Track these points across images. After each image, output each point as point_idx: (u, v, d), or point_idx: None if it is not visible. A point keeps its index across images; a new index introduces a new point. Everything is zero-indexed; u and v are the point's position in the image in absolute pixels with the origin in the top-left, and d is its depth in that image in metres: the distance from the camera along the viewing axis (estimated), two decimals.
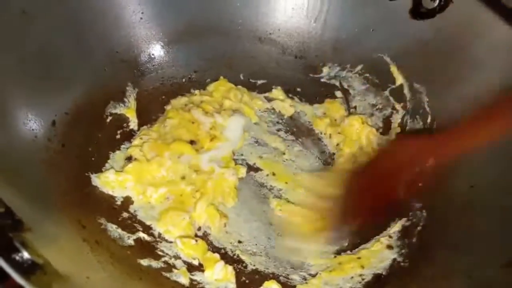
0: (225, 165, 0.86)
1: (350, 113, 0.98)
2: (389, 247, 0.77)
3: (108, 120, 0.89)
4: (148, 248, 0.75)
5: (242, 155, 0.91)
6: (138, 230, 0.76)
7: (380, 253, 0.77)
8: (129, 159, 0.84)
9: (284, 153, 0.93)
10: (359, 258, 0.77)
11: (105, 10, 0.91)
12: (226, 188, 0.84)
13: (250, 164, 0.90)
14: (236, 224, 0.82)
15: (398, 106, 0.94)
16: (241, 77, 1.02)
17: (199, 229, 0.80)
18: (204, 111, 0.92)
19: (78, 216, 0.72)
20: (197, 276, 0.73)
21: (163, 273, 0.72)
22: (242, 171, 0.87)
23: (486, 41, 0.79)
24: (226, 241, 0.79)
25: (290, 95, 1.01)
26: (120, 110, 0.91)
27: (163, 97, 0.96)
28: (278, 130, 0.96)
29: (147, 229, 0.77)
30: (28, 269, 0.50)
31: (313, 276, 0.76)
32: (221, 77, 1.00)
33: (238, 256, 0.77)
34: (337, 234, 0.79)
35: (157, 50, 0.99)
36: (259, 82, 1.02)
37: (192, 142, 0.87)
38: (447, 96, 0.85)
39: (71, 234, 0.69)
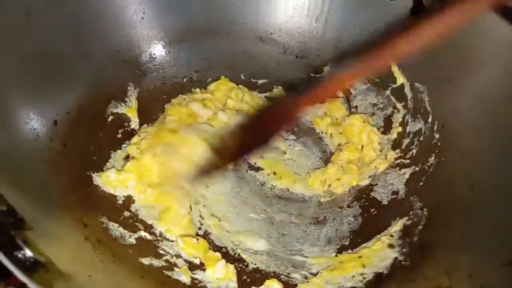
0: None
1: (351, 113, 0.98)
2: (390, 246, 0.77)
3: (109, 119, 0.89)
4: (150, 247, 0.75)
5: None
6: (140, 229, 0.76)
7: (381, 252, 0.77)
8: (127, 158, 0.84)
9: (285, 153, 0.94)
10: (360, 257, 0.77)
11: (107, 10, 0.92)
12: None
13: (251, 163, 0.91)
14: (237, 223, 0.82)
15: (399, 106, 0.94)
16: (242, 77, 1.03)
17: (200, 228, 0.80)
18: (203, 105, 0.92)
19: (79, 215, 0.72)
20: (199, 275, 0.73)
21: (165, 271, 0.72)
22: None
23: (487, 40, 0.79)
24: (227, 240, 0.80)
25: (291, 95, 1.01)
26: (121, 109, 0.91)
27: (164, 96, 0.97)
28: None
29: (149, 228, 0.77)
30: (30, 267, 0.50)
31: (314, 275, 0.76)
32: (222, 77, 1.01)
33: (239, 255, 0.78)
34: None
35: (158, 50, 1.00)
36: (260, 81, 1.03)
37: None
38: (448, 96, 0.85)
39: (73, 233, 0.69)
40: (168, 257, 0.74)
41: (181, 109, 0.91)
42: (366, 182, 0.89)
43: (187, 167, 0.82)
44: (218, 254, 0.75)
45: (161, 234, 0.77)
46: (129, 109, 0.92)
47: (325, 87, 0.73)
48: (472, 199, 0.75)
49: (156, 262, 0.73)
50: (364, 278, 0.74)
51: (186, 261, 0.75)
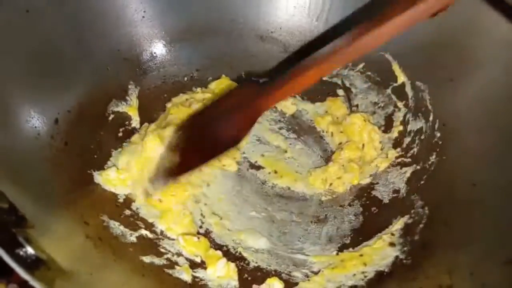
0: None
1: (352, 111, 0.98)
2: (392, 244, 0.77)
3: (110, 118, 0.89)
4: (151, 245, 0.75)
5: (244, 153, 0.92)
6: (141, 228, 0.77)
7: (382, 251, 0.77)
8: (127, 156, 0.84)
9: (286, 151, 0.94)
10: (361, 255, 0.77)
11: (107, 9, 0.91)
12: None
13: (252, 162, 0.91)
14: (238, 221, 0.82)
15: (400, 104, 0.94)
16: (243, 76, 1.03)
17: (201, 226, 0.80)
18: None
19: (81, 213, 0.72)
20: (200, 273, 0.73)
21: (166, 270, 0.72)
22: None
23: (488, 39, 0.79)
24: (228, 238, 0.80)
25: None
26: (122, 108, 0.91)
27: (165, 95, 0.97)
28: (280, 128, 0.97)
29: (150, 226, 0.77)
30: (32, 264, 0.50)
31: (316, 273, 0.76)
32: (223, 76, 1.01)
33: (240, 253, 0.78)
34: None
35: (159, 49, 1.00)
36: (261, 80, 1.02)
37: None
38: (449, 94, 0.85)
39: (74, 231, 0.69)
40: (169, 255, 0.74)
41: (183, 109, 0.91)
42: (367, 180, 0.89)
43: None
44: (219, 253, 0.75)
45: (162, 233, 0.77)
46: (130, 108, 0.92)
47: (298, 76, 0.67)
48: (473, 197, 0.75)
49: (157, 261, 0.73)
50: (365, 277, 0.74)
51: (187, 259, 0.75)
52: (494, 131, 0.77)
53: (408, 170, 0.87)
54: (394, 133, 0.93)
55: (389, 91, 0.96)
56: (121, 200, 0.79)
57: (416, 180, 0.85)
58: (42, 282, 0.49)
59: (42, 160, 0.73)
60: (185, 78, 1.01)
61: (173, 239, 0.77)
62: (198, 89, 0.98)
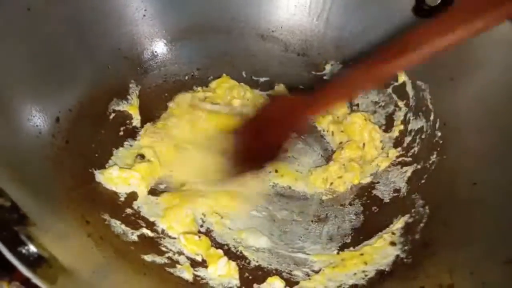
0: None
1: (352, 111, 0.98)
2: (392, 243, 0.77)
3: (111, 117, 0.89)
4: (152, 244, 0.75)
5: None
6: (142, 226, 0.77)
7: (383, 250, 0.77)
8: (141, 157, 0.84)
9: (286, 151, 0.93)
10: (362, 254, 0.77)
11: (108, 7, 0.91)
12: None
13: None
14: (239, 220, 0.82)
15: (400, 104, 0.94)
16: (244, 75, 1.03)
17: (202, 225, 0.80)
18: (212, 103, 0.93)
19: (82, 212, 0.72)
20: (201, 272, 0.73)
21: (167, 268, 0.72)
22: None
23: (488, 39, 0.79)
24: (229, 237, 0.80)
25: (293, 93, 1.01)
26: (123, 107, 0.91)
27: (166, 94, 0.97)
28: None
29: (151, 225, 0.77)
30: (34, 262, 0.50)
31: (316, 272, 0.76)
32: (224, 75, 1.01)
33: (241, 252, 0.78)
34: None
35: (160, 48, 1.00)
36: (262, 79, 1.03)
37: None
38: (450, 94, 0.85)
39: (75, 229, 0.69)
40: (170, 254, 0.74)
41: (187, 109, 0.92)
42: (367, 180, 0.90)
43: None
44: (220, 251, 0.75)
45: (163, 231, 0.77)
46: (131, 107, 0.92)
47: (338, 90, 0.74)
48: (473, 197, 0.75)
49: (159, 259, 0.73)
50: (366, 276, 0.74)
51: (188, 258, 0.75)
52: (495, 131, 0.77)
53: (409, 170, 0.87)
54: (395, 133, 0.93)
55: (389, 90, 0.96)
56: (122, 199, 0.80)
57: (417, 179, 0.85)
58: (44, 280, 0.49)
59: (43, 158, 0.73)
60: (186, 77, 1.01)
61: (174, 238, 0.76)
62: (199, 88, 0.98)
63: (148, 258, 0.72)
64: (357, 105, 0.99)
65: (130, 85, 0.94)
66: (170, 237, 0.77)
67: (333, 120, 0.96)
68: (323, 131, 0.97)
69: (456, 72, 0.85)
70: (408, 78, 0.93)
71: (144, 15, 0.96)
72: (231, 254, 0.77)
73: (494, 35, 0.79)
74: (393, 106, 0.95)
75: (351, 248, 0.79)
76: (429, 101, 0.89)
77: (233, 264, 0.74)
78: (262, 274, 0.75)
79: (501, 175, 0.74)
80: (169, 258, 0.74)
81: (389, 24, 0.94)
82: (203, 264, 0.74)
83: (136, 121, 0.91)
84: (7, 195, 0.55)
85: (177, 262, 0.74)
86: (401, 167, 0.88)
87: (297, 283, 0.74)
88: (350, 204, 0.87)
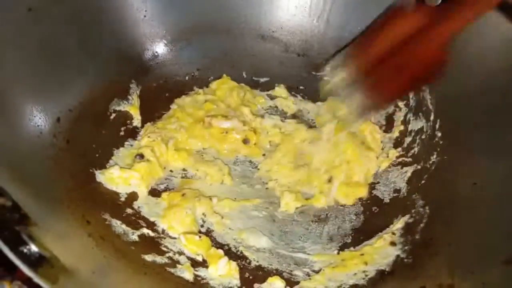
0: None
1: None
2: (392, 243, 0.77)
3: (112, 117, 0.89)
4: (152, 244, 0.75)
5: None
6: (142, 226, 0.77)
7: (383, 250, 0.77)
8: (140, 156, 0.84)
9: None
10: (362, 254, 0.77)
11: (109, 8, 0.92)
12: None
13: (253, 161, 0.91)
14: (239, 220, 0.82)
15: (400, 104, 0.94)
16: (244, 75, 1.03)
17: (202, 225, 0.80)
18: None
19: (83, 211, 0.72)
20: (201, 272, 0.73)
21: (167, 268, 0.72)
22: None
23: (489, 38, 0.79)
24: (229, 237, 0.80)
25: (293, 93, 1.01)
26: (123, 107, 0.91)
27: (166, 94, 0.97)
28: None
29: (151, 225, 0.78)
30: (35, 262, 0.50)
31: (317, 272, 0.76)
32: (224, 75, 1.01)
33: (241, 252, 0.78)
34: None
35: (160, 48, 1.00)
36: (262, 80, 1.03)
37: None
38: (450, 94, 0.85)
39: (76, 229, 0.69)
40: (170, 254, 0.74)
41: (189, 113, 0.93)
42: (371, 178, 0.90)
43: None
44: (220, 251, 0.75)
45: (163, 231, 0.77)
46: (132, 107, 0.92)
47: None
48: (474, 197, 0.75)
49: (159, 259, 0.73)
50: (366, 276, 0.74)
51: (188, 258, 0.75)
52: (495, 131, 0.77)
53: (409, 170, 0.87)
54: (395, 133, 0.94)
55: None
56: (122, 199, 0.80)
57: (417, 179, 0.85)
58: (45, 279, 0.49)
59: (44, 158, 0.73)
60: (187, 78, 1.01)
61: (175, 238, 0.77)
62: (200, 90, 0.99)
63: (148, 258, 0.72)
64: None
65: (131, 85, 0.94)
66: (170, 237, 0.77)
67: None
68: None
69: (455, 72, 0.85)
70: None
71: (145, 16, 0.97)
72: (232, 254, 0.77)
73: (494, 34, 0.79)
74: (393, 107, 0.95)
75: (352, 248, 0.79)
76: (429, 101, 0.89)
77: (233, 264, 0.74)
78: (262, 274, 0.75)
79: (501, 175, 0.74)
80: (169, 258, 0.74)
81: None
82: (204, 264, 0.74)
83: (137, 121, 0.91)
84: (8, 194, 0.55)
85: (178, 262, 0.74)
86: (401, 168, 0.89)
87: (297, 283, 0.74)
88: (350, 204, 0.87)
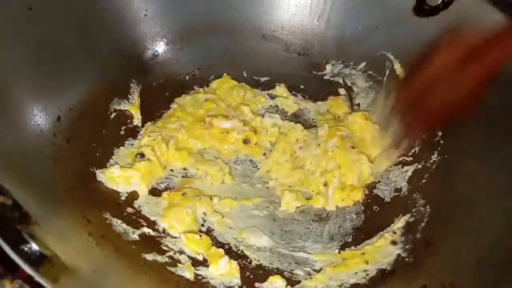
0: None
1: (353, 110, 0.98)
2: (393, 242, 0.77)
3: (112, 116, 0.89)
4: (153, 243, 0.75)
5: None
6: (143, 225, 0.77)
7: (384, 249, 0.77)
8: (141, 156, 0.84)
9: None
10: (363, 253, 0.77)
11: (109, 7, 0.92)
12: None
13: (254, 161, 0.91)
14: (240, 219, 0.82)
15: None
16: (245, 74, 1.03)
17: (203, 224, 0.80)
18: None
19: (83, 211, 0.72)
20: (202, 271, 0.73)
21: (168, 267, 0.72)
22: None
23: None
24: (230, 236, 0.80)
25: (294, 92, 1.01)
26: (124, 106, 0.91)
27: (167, 93, 0.97)
28: None
29: (152, 224, 0.78)
30: (36, 260, 0.50)
31: (318, 271, 0.76)
32: (225, 74, 1.01)
33: (242, 251, 0.78)
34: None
35: (161, 47, 1.00)
36: (263, 79, 1.03)
37: None
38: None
39: (76, 228, 0.69)
40: (171, 253, 0.74)
41: (190, 112, 0.93)
42: (368, 179, 0.89)
43: None
44: (221, 250, 0.75)
45: (164, 231, 0.77)
46: (132, 106, 0.92)
47: None
48: (474, 196, 0.75)
49: (160, 258, 0.73)
50: (367, 275, 0.74)
51: (189, 257, 0.75)
52: (495, 130, 0.77)
53: (410, 169, 0.87)
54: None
55: None
56: (123, 198, 0.80)
57: (418, 179, 0.85)
58: (46, 278, 0.49)
59: (44, 157, 0.74)
60: (187, 77, 1.01)
61: (175, 237, 0.76)
62: (201, 89, 0.98)
63: (149, 257, 0.72)
64: (358, 104, 1.00)
65: (131, 85, 0.94)
66: (171, 236, 0.77)
67: (334, 119, 0.96)
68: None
69: None
70: None
71: (145, 15, 0.97)
72: (232, 253, 0.77)
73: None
74: None
75: (352, 247, 0.79)
76: None
77: (234, 263, 0.74)
78: (263, 273, 0.75)
79: (501, 174, 0.74)
80: (170, 257, 0.74)
81: (389, 24, 0.95)
82: (204, 263, 0.74)
83: (137, 120, 0.91)
84: (8, 193, 0.55)
85: (178, 261, 0.73)
86: (402, 167, 0.88)
87: (298, 282, 0.74)
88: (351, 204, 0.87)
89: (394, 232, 0.79)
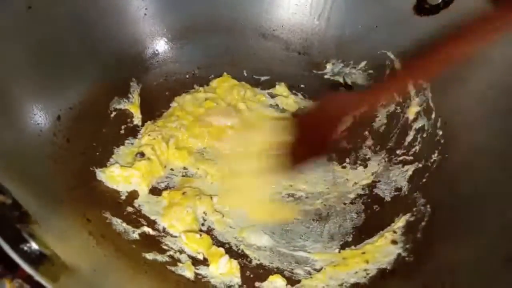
0: None
1: None
2: (394, 242, 0.77)
3: (112, 115, 0.89)
4: (153, 242, 0.75)
5: None
6: (143, 225, 0.76)
7: (384, 248, 0.77)
8: (141, 155, 0.84)
9: None
10: (363, 253, 0.77)
11: (109, 6, 0.92)
12: None
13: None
14: (240, 219, 0.82)
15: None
16: (245, 74, 1.03)
17: (203, 224, 0.80)
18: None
19: (83, 210, 0.72)
20: (202, 270, 0.73)
21: (168, 267, 0.72)
22: None
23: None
24: (230, 236, 0.80)
25: (294, 91, 1.02)
26: (124, 105, 0.91)
27: (167, 93, 0.97)
28: None
29: (152, 223, 0.77)
30: (36, 260, 0.50)
31: (318, 270, 0.76)
32: (225, 73, 1.01)
33: (242, 250, 0.78)
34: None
35: (161, 46, 1.00)
36: (263, 78, 1.03)
37: None
38: (452, 93, 0.85)
39: (77, 228, 0.69)
40: (171, 252, 0.74)
41: (189, 111, 0.93)
42: (369, 179, 0.89)
43: None
44: (221, 250, 0.75)
45: (164, 230, 0.77)
46: (132, 105, 0.92)
47: (389, 86, 0.79)
48: (475, 195, 0.75)
49: (160, 257, 0.73)
50: (367, 274, 0.74)
51: (189, 256, 0.75)
52: (496, 129, 0.77)
53: (410, 168, 0.87)
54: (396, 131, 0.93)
55: None
56: (123, 197, 0.79)
57: (418, 178, 0.85)
58: (46, 277, 0.49)
59: (44, 157, 0.73)
60: (187, 76, 1.01)
61: (176, 236, 0.76)
62: (201, 88, 0.98)
63: (149, 256, 0.72)
64: None
65: (131, 84, 0.94)
66: (171, 235, 0.77)
67: None
68: None
69: (456, 71, 0.85)
70: None
71: (145, 14, 0.97)
72: (233, 253, 0.77)
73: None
74: (394, 105, 0.95)
75: (353, 247, 0.79)
76: (430, 100, 0.89)
77: (234, 262, 0.74)
78: (263, 272, 0.75)
79: (502, 173, 0.74)
80: (170, 256, 0.74)
81: (390, 23, 0.94)
82: (205, 262, 0.74)
83: (137, 119, 0.91)
84: (8, 192, 0.55)
85: (179, 260, 0.73)
86: (402, 166, 0.88)
87: (298, 281, 0.74)
88: (352, 203, 0.87)
89: (395, 232, 0.79)
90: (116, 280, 0.65)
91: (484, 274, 0.65)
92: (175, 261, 0.73)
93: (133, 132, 0.89)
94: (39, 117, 0.75)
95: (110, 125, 0.88)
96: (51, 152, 0.75)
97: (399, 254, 0.76)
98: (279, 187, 0.88)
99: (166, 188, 0.84)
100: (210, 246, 0.76)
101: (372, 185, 0.89)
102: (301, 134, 0.83)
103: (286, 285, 0.73)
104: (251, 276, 0.74)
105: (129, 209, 0.78)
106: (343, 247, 0.80)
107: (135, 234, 0.75)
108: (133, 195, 0.80)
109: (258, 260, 0.77)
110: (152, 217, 0.78)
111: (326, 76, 1.03)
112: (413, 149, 0.89)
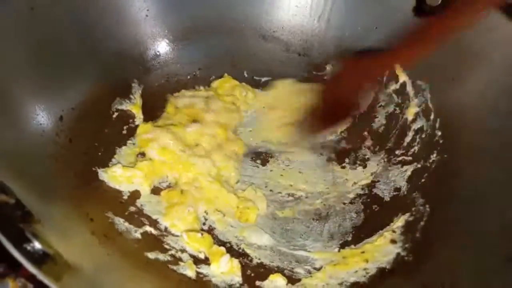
0: None
1: None
2: (393, 241, 0.78)
3: (114, 116, 0.90)
4: (155, 242, 0.75)
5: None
6: (145, 224, 0.77)
7: (384, 248, 0.77)
8: (142, 154, 0.85)
9: None
10: (363, 252, 0.78)
11: (111, 7, 0.92)
12: None
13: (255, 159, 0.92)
14: None
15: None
16: (245, 75, 1.04)
17: (204, 223, 0.81)
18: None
19: (86, 210, 0.72)
20: (203, 269, 0.74)
21: (170, 266, 0.72)
22: None
23: (489, 38, 0.80)
24: (231, 235, 0.80)
25: None
26: (126, 106, 0.92)
27: (168, 94, 0.98)
28: None
29: (154, 223, 0.78)
30: (39, 259, 0.51)
31: (318, 269, 0.76)
32: (225, 74, 1.02)
33: (243, 249, 0.78)
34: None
35: (162, 47, 1.00)
36: (263, 79, 1.04)
37: None
38: (450, 93, 0.85)
39: (79, 227, 0.70)
40: (173, 251, 0.75)
41: (182, 111, 0.93)
42: (368, 179, 0.90)
43: None
44: (222, 249, 0.76)
45: (166, 229, 0.78)
46: (134, 106, 0.92)
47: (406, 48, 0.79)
48: (474, 195, 0.76)
49: (162, 257, 0.73)
50: (367, 273, 0.75)
51: (191, 255, 0.75)
52: (495, 130, 0.78)
53: (409, 169, 0.88)
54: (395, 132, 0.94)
55: (390, 90, 0.97)
56: (125, 197, 0.80)
57: (417, 178, 0.85)
58: (49, 276, 0.50)
59: (47, 156, 0.74)
60: (188, 77, 1.01)
61: (177, 236, 0.77)
62: (202, 88, 0.99)
63: (151, 255, 0.73)
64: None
65: (133, 85, 0.95)
66: (173, 234, 0.77)
67: None
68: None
69: (456, 72, 0.85)
70: (408, 78, 0.94)
71: (147, 15, 0.97)
72: (234, 252, 0.77)
73: (495, 34, 0.79)
74: (393, 106, 0.96)
75: (352, 246, 0.80)
76: (429, 100, 0.89)
77: (235, 261, 0.75)
78: (264, 271, 0.76)
79: (501, 173, 0.74)
80: (172, 255, 0.74)
81: (389, 24, 0.94)
82: (206, 261, 0.75)
83: (139, 120, 0.91)
84: (11, 192, 0.56)
85: (180, 259, 0.74)
86: (402, 166, 0.89)
87: (299, 280, 0.75)
88: (351, 203, 0.87)
89: (394, 231, 0.79)
90: (119, 279, 0.66)
91: (484, 274, 0.65)
92: (176, 260, 0.74)
93: (135, 132, 0.89)
94: (42, 117, 0.76)
95: (112, 125, 0.88)
96: (54, 152, 0.75)
97: (398, 254, 0.76)
98: (279, 187, 0.88)
99: (167, 187, 0.84)
100: (211, 245, 0.77)
101: (371, 185, 0.89)
102: (326, 100, 0.86)
103: (287, 284, 0.74)
104: (252, 275, 0.75)
105: (131, 208, 0.79)
106: (342, 246, 0.80)
107: (137, 234, 0.75)
108: (135, 195, 0.81)
109: (259, 259, 0.77)
110: (154, 217, 0.79)
111: (326, 77, 1.04)
112: (412, 150, 0.89)
